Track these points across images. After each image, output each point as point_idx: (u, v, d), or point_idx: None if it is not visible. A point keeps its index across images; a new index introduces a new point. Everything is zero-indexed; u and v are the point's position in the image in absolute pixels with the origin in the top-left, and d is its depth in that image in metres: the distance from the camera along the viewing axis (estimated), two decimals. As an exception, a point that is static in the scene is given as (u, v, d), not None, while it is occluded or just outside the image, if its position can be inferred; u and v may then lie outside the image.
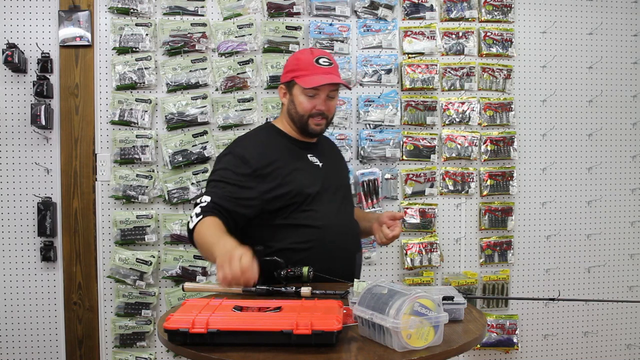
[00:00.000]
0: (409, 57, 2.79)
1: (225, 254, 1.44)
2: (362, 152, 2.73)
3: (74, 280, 2.57)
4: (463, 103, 2.82)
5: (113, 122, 2.58)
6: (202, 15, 2.64)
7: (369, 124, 2.75)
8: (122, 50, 2.58)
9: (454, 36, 2.83)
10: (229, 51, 2.63)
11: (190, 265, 2.59)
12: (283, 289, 1.58)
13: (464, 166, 2.83)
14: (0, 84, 2.52)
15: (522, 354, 2.90)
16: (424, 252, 2.77)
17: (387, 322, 1.17)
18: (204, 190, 1.84)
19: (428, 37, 2.80)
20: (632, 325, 3.01)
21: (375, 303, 1.23)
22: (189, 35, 2.61)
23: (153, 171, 2.60)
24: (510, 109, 2.86)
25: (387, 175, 2.75)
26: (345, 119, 2.72)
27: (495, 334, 2.82)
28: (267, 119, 2.66)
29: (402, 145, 2.77)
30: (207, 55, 2.63)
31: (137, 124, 2.58)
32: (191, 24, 2.61)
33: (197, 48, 2.61)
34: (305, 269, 1.69)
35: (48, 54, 2.53)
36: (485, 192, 2.84)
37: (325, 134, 2.07)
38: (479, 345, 2.69)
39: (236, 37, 2.64)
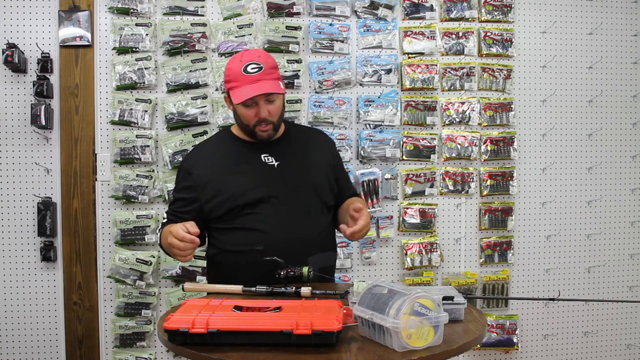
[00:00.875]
0: (409, 57, 2.79)
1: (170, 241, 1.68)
2: (362, 152, 2.73)
3: (74, 280, 2.57)
4: (463, 103, 2.82)
5: (113, 122, 2.58)
6: (202, 15, 2.64)
7: (369, 124, 2.75)
8: (122, 50, 2.58)
9: (454, 36, 2.83)
10: (229, 51, 2.63)
11: (190, 265, 2.59)
12: (283, 289, 1.59)
13: (464, 166, 2.83)
14: (0, 84, 2.52)
15: (522, 354, 2.90)
16: (424, 252, 2.77)
17: (387, 322, 1.17)
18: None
19: (428, 37, 2.80)
20: (632, 325, 3.01)
21: (375, 303, 1.23)
22: (189, 35, 2.61)
23: (153, 171, 2.60)
24: (510, 109, 2.86)
25: (387, 175, 2.75)
26: (345, 119, 2.72)
27: (495, 334, 2.83)
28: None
29: (402, 145, 2.77)
30: (207, 55, 2.63)
31: (137, 124, 2.58)
32: (191, 24, 2.61)
33: (197, 48, 2.61)
34: (305, 269, 1.69)
35: (48, 54, 2.53)
36: (485, 192, 2.84)
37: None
38: (479, 345, 2.69)
39: (236, 37, 2.64)
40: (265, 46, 2.66)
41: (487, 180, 2.84)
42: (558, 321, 2.93)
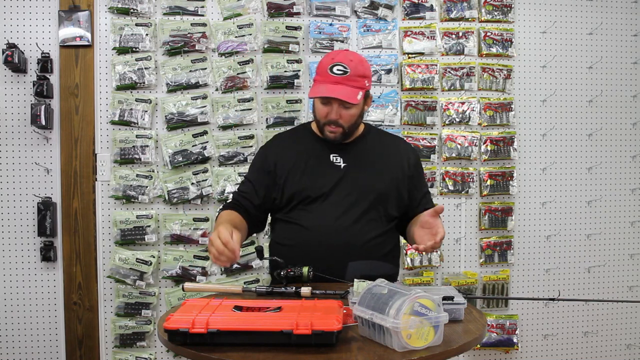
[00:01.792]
0: (409, 57, 2.79)
1: (212, 234, 1.64)
2: (362, 152, 2.72)
3: (74, 280, 2.57)
4: (463, 103, 2.82)
5: (113, 122, 2.58)
6: (202, 15, 2.64)
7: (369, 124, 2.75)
8: (122, 50, 2.58)
9: (454, 36, 2.83)
10: (229, 51, 2.63)
11: (190, 265, 2.59)
12: (283, 289, 1.59)
13: (464, 166, 2.83)
14: (0, 84, 2.52)
15: (522, 354, 2.90)
16: (424, 252, 2.76)
17: (387, 322, 1.17)
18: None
19: (428, 37, 2.80)
20: (632, 325, 3.01)
21: (375, 303, 1.23)
22: (189, 35, 2.61)
23: (153, 171, 2.60)
24: (510, 109, 2.86)
25: (387, 175, 2.75)
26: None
27: (495, 334, 2.83)
28: (266, 119, 2.67)
29: (402, 145, 2.77)
30: (207, 55, 2.63)
31: (137, 124, 2.58)
32: (191, 24, 2.61)
33: (197, 48, 2.61)
34: (305, 269, 1.69)
35: (48, 54, 2.53)
36: (485, 192, 2.84)
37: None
38: (479, 345, 2.69)
39: (236, 37, 2.64)
40: (265, 46, 2.66)
41: (487, 180, 2.84)
42: (558, 321, 2.93)
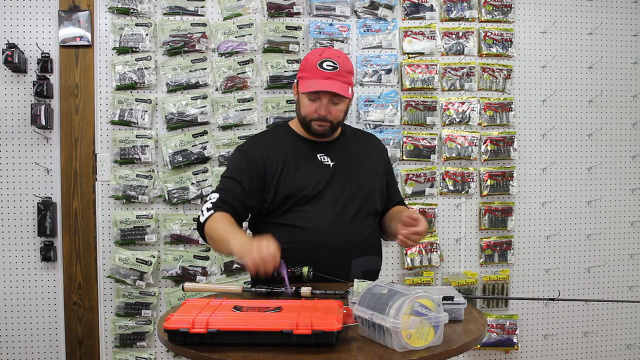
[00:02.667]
0: (409, 57, 2.79)
1: (245, 244, 1.57)
2: (362, 152, 2.72)
3: (74, 280, 2.57)
4: (463, 103, 2.82)
5: (113, 122, 2.58)
6: (202, 15, 2.64)
7: (369, 124, 2.75)
8: (122, 50, 2.58)
9: (454, 36, 2.83)
10: (229, 51, 2.64)
11: (190, 265, 2.59)
12: (283, 289, 1.59)
13: (464, 166, 2.83)
14: (0, 84, 2.52)
15: (522, 354, 2.90)
16: (424, 252, 2.77)
17: (387, 322, 1.17)
18: (214, 187, 1.90)
19: (428, 37, 2.80)
20: (632, 325, 3.01)
21: (375, 303, 1.23)
22: (189, 35, 2.61)
23: (153, 171, 2.60)
24: (510, 109, 2.86)
25: (387, 175, 2.75)
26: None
27: (495, 334, 2.83)
28: (266, 119, 2.67)
29: (402, 145, 2.77)
30: (207, 55, 2.64)
31: (137, 124, 2.58)
32: (191, 24, 2.61)
33: (197, 48, 2.61)
34: (305, 269, 1.69)
35: (48, 54, 2.53)
36: (485, 192, 2.84)
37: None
38: (479, 345, 2.69)
39: (236, 37, 2.64)
40: (265, 46, 2.66)
41: (487, 180, 2.84)
42: (558, 321, 2.93)
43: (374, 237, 1.92)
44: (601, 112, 2.97)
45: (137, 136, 2.58)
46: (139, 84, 2.58)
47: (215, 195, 1.80)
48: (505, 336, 2.83)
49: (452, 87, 2.82)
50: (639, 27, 3.00)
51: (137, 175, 2.58)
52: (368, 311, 1.23)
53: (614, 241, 2.99)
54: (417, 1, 2.80)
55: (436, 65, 2.80)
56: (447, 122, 2.81)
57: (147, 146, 2.58)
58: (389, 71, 2.76)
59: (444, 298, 1.39)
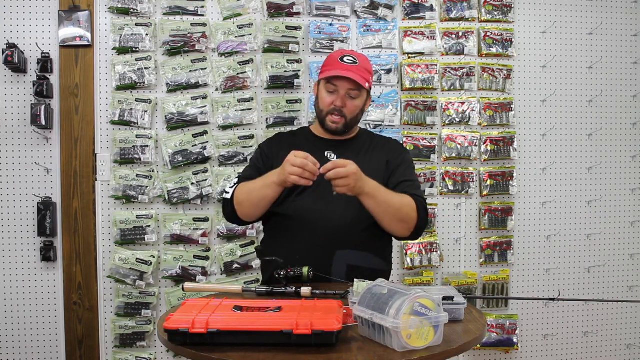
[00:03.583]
0: (409, 57, 2.79)
1: (278, 170, 1.74)
2: (362, 152, 2.72)
3: (74, 280, 2.57)
4: (463, 103, 2.82)
5: (113, 122, 2.58)
6: (202, 15, 2.64)
7: (369, 124, 2.75)
8: (122, 50, 2.58)
9: (454, 36, 2.83)
10: (229, 51, 2.64)
11: (190, 265, 2.59)
12: (283, 289, 1.59)
13: (464, 166, 2.83)
14: (0, 84, 2.52)
15: (522, 354, 2.90)
16: (424, 252, 2.77)
17: (387, 322, 1.17)
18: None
19: (428, 37, 2.80)
20: (632, 325, 3.01)
21: (375, 303, 1.23)
22: (189, 35, 2.61)
23: (153, 171, 2.60)
24: (510, 109, 2.86)
25: (387, 175, 2.75)
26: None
27: (495, 334, 2.83)
28: (266, 119, 2.67)
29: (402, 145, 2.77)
30: (207, 55, 2.63)
31: (137, 124, 2.58)
32: (191, 24, 2.61)
33: (197, 48, 2.61)
34: (305, 269, 1.69)
35: (48, 54, 2.53)
36: (485, 192, 2.84)
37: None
38: (479, 345, 2.69)
39: (236, 37, 2.64)
40: (265, 46, 2.66)
41: (487, 180, 2.84)
42: (558, 321, 2.93)
43: (370, 233, 1.88)
44: (601, 112, 2.97)
45: (137, 136, 2.58)
46: (139, 84, 2.58)
47: (235, 180, 1.95)
48: (505, 336, 2.83)
49: (452, 87, 2.82)
50: (639, 27, 3.00)
51: (137, 175, 2.58)
52: (368, 311, 1.23)
53: (614, 241, 2.99)
54: (417, 1, 2.80)
55: (436, 65, 2.80)
56: (447, 122, 2.81)
57: (147, 146, 2.58)
58: (389, 71, 2.76)
59: (444, 298, 1.39)
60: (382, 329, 1.20)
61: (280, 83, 2.66)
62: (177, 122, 2.59)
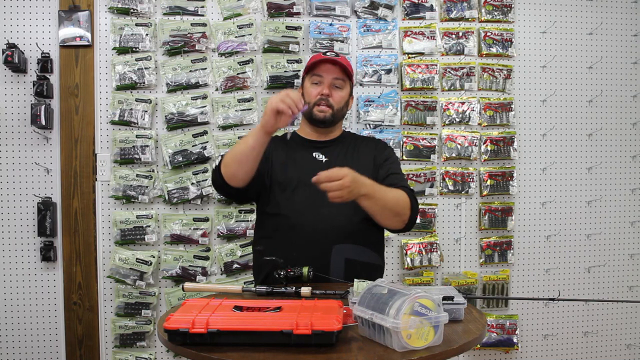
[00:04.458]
0: (409, 57, 2.79)
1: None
2: (362, 152, 2.72)
3: (74, 280, 2.57)
4: (463, 103, 2.82)
5: (113, 122, 2.58)
6: (202, 15, 2.64)
7: (369, 124, 2.75)
8: (122, 50, 2.58)
9: (454, 36, 2.83)
10: (229, 51, 2.64)
11: (190, 265, 2.59)
12: (283, 289, 1.59)
13: (464, 166, 2.83)
14: (0, 84, 2.52)
15: (522, 354, 2.90)
16: (424, 252, 2.77)
17: (387, 322, 1.17)
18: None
19: (428, 37, 2.80)
20: (632, 325, 3.01)
21: (375, 303, 1.23)
22: (189, 35, 2.61)
23: (153, 171, 2.60)
24: (510, 109, 2.86)
25: (387, 175, 2.75)
26: (345, 118, 2.71)
27: (495, 334, 2.83)
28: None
29: (402, 145, 2.77)
30: (207, 55, 2.63)
31: (137, 124, 2.58)
32: (191, 24, 2.61)
33: (197, 48, 2.61)
34: (305, 269, 1.70)
35: (48, 54, 2.53)
36: (485, 192, 2.84)
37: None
38: (479, 345, 2.70)
39: (236, 37, 2.64)
40: (265, 46, 2.66)
41: (487, 180, 2.84)
42: (558, 321, 2.93)
43: (363, 228, 1.91)
44: (601, 112, 2.97)
45: (137, 136, 2.58)
46: (139, 84, 2.58)
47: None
48: (505, 336, 2.83)
49: (452, 87, 2.82)
50: (639, 27, 3.00)
51: (137, 175, 2.58)
52: (368, 311, 1.23)
53: (614, 241, 2.99)
54: (417, 1, 2.80)
55: (436, 65, 2.80)
56: (447, 122, 2.81)
57: (147, 146, 2.58)
58: (389, 71, 2.76)
59: (444, 298, 1.39)
60: (382, 329, 1.20)
61: (280, 83, 2.66)
62: (177, 122, 2.59)
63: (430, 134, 2.80)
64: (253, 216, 2.60)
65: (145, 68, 2.58)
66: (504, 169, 2.86)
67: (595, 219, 2.97)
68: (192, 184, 2.60)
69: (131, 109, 2.58)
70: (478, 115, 2.83)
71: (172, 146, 2.59)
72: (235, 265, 2.62)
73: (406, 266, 2.76)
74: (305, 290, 1.56)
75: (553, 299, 1.93)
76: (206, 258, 2.60)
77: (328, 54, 2.02)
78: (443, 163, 2.82)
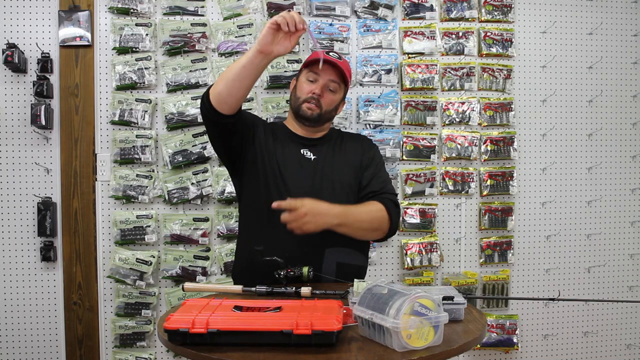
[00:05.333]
0: (409, 57, 2.79)
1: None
2: (362, 152, 2.72)
3: (74, 280, 2.57)
4: (463, 103, 2.82)
5: (113, 122, 2.58)
6: (202, 15, 2.64)
7: (369, 124, 2.75)
8: (122, 50, 2.58)
9: (454, 36, 2.83)
10: (229, 51, 2.63)
11: (190, 265, 2.59)
12: (283, 289, 1.59)
13: (464, 166, 2.83)
14: (0, 84, 2.52)
15: (522, 354, 2.90)
16: (424, 252, 2.77)
17: (387, 322, 1.17)
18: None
19: (428, 37, 2.80)
20: (632, 325, 3.01)
21: (375, 303, 1.23)
22: (189, 35, 2.61)
23: (153, 171, 2.60)
24: (510, 109, 2.86)
25: (387, 175, 2.75)
26: (345, 118, 2.72)
27: (495, 334, 2.83)
28: (266, 119, 2.67)
29: (402, 145, 2.77)
30: (207, 55, 2.63)
31: (137, 124, 2.58)
32: (191, 24, 2.61)
33: (197, 48, 2.61)
34: (305, 269, 1.70)
35: (48, 54, 2.53)
36: (485, 192, 2.84)
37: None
38: (479, 345, 2.70)
39: (236, 37, 2.64)
40: (265, 46, 2.66)
41: (487, 180, 2.84)
42: (558, 321, 2.93)
43: None
44: (601, 112, 2.97)
45: (137, 136, 2.58)
46: (139, 84, 2.58)
47: None
48: (505, 336, 2.83)
49: (452, 87, 2.82)
50: (639, 27, 3.00)
51: (137, 175, 2.58)
52: (368, 311, 1.23)
53: (614, 241, 2.99)
54: (417, 1, 2.80)
55: (436, 65, 2.80)
56: (447, 122, 2.81)
57: (147, 146, 2.58)
58: (389, 71, 2.76)
59: (444, 298, 1.39)
60: (382, 329, 1.20)
61: (280, 83, 2.66)
62: (177, 122, 2.59)
63: (430, 134, 2.80)
64: (253, 216, 2.60)
65: (145, 68, 2.58)
66: (504, 169, 2.86)
67: (595, 219, 2.97)
68: (192, 184, 2.60)
69: (131, 109, 2.58)
70: (478, 115, 2.83)
71: (172, 146, 2.59)
72: (235, 265, 2.62)
73: (406, 266, 2.76)
74: (305, 290, 1.56)
75: (553, 299, 1.93)
76: (206, 258, 2.60)
77: (331, 54, 2.00)
78: (443, 163, 2.82)
